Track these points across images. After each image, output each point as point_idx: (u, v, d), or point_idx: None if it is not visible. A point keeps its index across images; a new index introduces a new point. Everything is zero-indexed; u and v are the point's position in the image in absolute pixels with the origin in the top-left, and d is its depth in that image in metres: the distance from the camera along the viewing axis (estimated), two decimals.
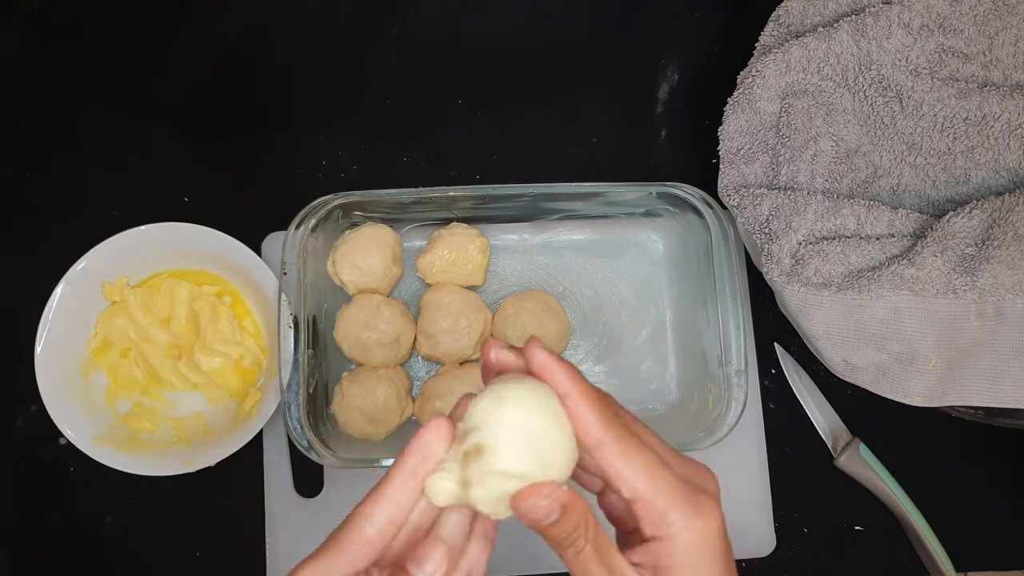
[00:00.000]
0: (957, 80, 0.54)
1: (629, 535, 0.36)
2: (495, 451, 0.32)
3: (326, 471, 0.60)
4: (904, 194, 0.56)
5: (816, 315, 0.51)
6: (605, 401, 0.35)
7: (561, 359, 0.35)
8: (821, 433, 0.62)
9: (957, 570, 0.59)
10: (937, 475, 0.62)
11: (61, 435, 0.55)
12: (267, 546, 0.59)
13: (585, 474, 0.38)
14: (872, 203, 0.52)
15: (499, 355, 0.36)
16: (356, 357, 0.58)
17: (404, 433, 0.59)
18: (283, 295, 0.55)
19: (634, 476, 0.32)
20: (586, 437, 0.33)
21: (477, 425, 0.33)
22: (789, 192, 0.53)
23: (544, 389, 0.33)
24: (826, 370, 0.53)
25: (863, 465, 0.60)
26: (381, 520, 0.33)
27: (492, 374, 0.37)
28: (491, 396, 0.33)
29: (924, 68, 0.54)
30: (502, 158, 0.65)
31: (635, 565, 0.33)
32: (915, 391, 0.51)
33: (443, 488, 0.33)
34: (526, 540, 0.33)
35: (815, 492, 0.62)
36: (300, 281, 0.55)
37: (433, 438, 0.33)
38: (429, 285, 0.61)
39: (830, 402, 0.62)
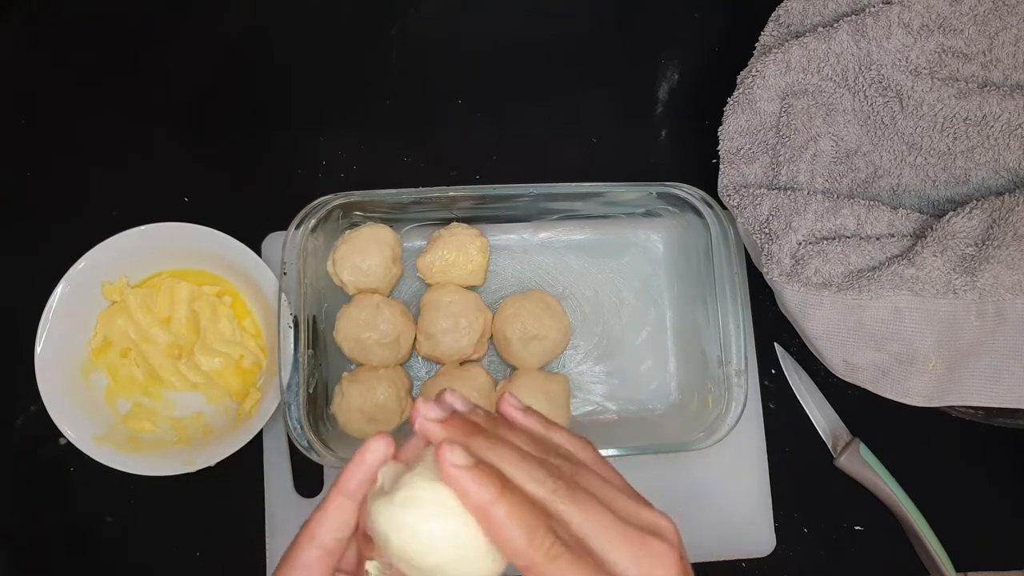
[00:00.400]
0: (957, 80, 0.54)
1: None
2: None
3: (326, 471, 0.60)
4: (904, 194, 0.56)
5: (816, 315, 0.51)
6: (534, 510, 0.30)
7: (480, 464, 0.30)
8: (821, 433, 0.62)
9: (957, 570, 0.59)
10: (937, 475, 0.62)
11: (61, 435, 0.55)
12: (267, 546, 0.59)
13: None
14: (872, 203, 0.52)
15: (424, 427, 0.33)
16: (356, 357, 0.58)
17: (404, 433, 0.59)
18: (283, 295, 0.55)
19: None
20: (512, 560, 0.30)
21: (382, 545, 0.31)
22: (789, 192, 0.53)
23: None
24: (826, 370, 0.53)
25: (863, 465, 0.60)
26: (326, 539, 0.33)
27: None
28: (398, 520, 0.30)
29: (924, 68, 0.54)
30: (502, 158, 0.65)
31: None
32: (915, 391, 0.51)
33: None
34: None
35: (815, 492, 0.62)
36: (300, 281, 0.55)
37: (372, 460, 0.33)
38: (429, 285, 0.61)
39: (830, 402, 0.62)
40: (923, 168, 0.55)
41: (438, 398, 0.36)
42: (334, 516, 0.33)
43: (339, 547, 0.34)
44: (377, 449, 0.33)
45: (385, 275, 0.59)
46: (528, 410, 0.37)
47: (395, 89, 0.66)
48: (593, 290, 0.63)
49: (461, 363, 0.60)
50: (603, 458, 0.36)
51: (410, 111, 0.66)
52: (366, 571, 0.33)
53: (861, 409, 0.61)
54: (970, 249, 0.49)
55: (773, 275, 0.52)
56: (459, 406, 0.35)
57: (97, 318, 0.59)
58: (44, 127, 0.65)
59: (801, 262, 0.51)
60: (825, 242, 0.51)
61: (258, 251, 0.61)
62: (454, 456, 0.30)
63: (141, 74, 0.66)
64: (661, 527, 0.34)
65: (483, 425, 0.34)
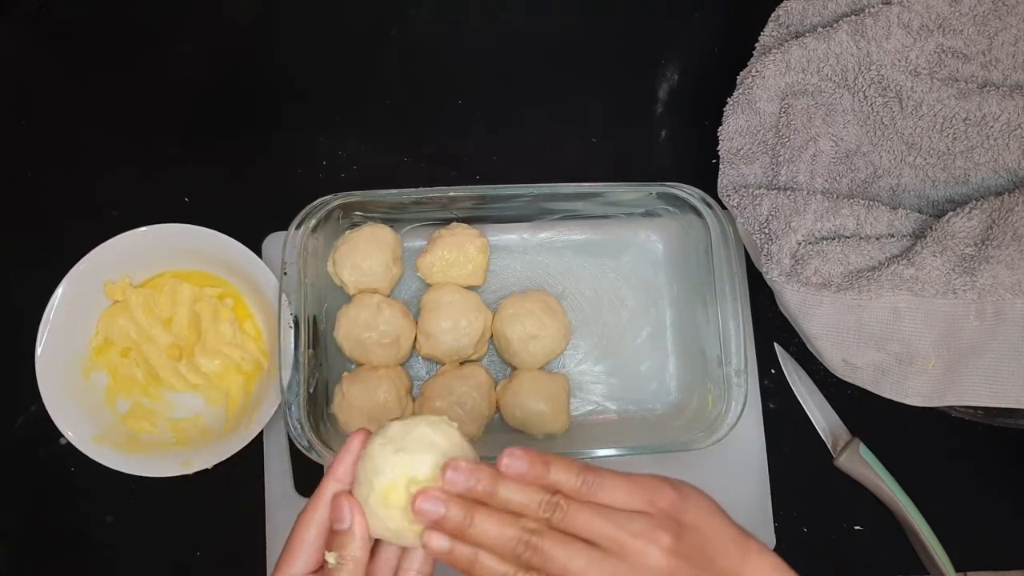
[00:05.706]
0: (957, 80, 0.54)
1: None
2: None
3: (326, 471, 0.60)
4: (904, 194, 0.56)
5: (816, 315, 0.51)
6: None
7: (453, 550, 0.37)
8: (821, 433, 0.62)
9: (957, 570, 0.59)
10: (937, 475, 0.62)
11: (61, 435, 0.55)
12: (267, 546, 0.59)
13: None
14: (872, 203, 0.52)
15: (421, 511, 0.37)
16: (356, 357, 0.59)
17: None
18: (283, 295, 0.55)
19: None
20: None
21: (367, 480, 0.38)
22: (789, 192, 0.53)
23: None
24: (826, 370, 0.53)
25: (863, 465, 0.60)
26: (321, 521, 0.39)
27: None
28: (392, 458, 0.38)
29: (924, 68, 0.54)
30: (502, 158, 0.65)
31: None
32: (915, 391, 0.51)
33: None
34: None
35: (815, 492, 0.62)
36: (300, 281, 0.55)
37: (358, 448, 0.40)
38: (429, 285, 0.61)
39: (830, 402, 0.62)
40: (923, 168, 0.55)
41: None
42: (327, 498, 0.39)
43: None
44: (363, 436, 0.40)
45: (385, 275, 0.59)
46: (526, 456, 0.38)
47: (395, 89, 0.66)
48: (593, 290, 0.63)
49: (461, 363, 0.60)
50: (602, 473, 0.38)
51: (410, 111, 0.66)
52: (325, 562, 0.38)
53: (861, 409, 0.61)
54: (969, 249, 0.49)
55: (773, 275, 0.52)
56: (460, 481, 0.37)
57: (98, 318, 0.59)
58: (44, 127, 0.65)
59: (801, 262, 0.51)
60: (825, 242, 0.51)
61: (258, 251, 0.61)
62: (434, 542, 0.37)
63: (141, 74, 0.66)
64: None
65: (482, 488, 0.37)
